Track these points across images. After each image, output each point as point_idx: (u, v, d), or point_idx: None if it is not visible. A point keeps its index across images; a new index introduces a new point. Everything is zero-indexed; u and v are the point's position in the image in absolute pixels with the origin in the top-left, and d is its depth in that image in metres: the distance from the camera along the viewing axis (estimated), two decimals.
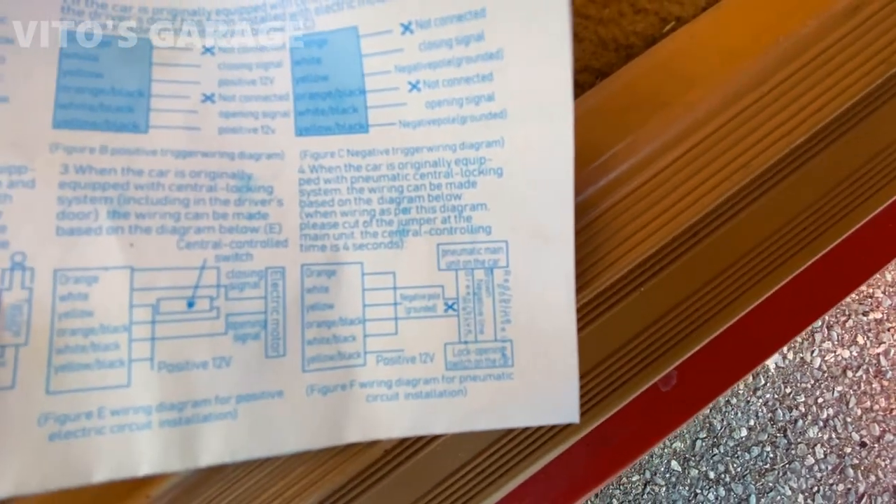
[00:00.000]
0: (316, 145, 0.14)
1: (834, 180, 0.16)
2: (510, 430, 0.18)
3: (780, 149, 0.16)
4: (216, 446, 0.12)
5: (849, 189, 0.16)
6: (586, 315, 0.16)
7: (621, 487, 0.76)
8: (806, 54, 0.16)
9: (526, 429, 0.18)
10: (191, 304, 0.13)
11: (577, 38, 0.18)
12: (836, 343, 0.79)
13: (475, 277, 0.14)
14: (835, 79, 0.16)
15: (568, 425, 0.18)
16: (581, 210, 0.15)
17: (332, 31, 0.14)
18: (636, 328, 0.17)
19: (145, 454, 0.12)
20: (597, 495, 0.75)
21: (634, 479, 0.75)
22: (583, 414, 0.16)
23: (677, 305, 0.16)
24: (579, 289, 0.15)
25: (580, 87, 0.18)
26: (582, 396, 0.16)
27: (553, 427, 0.17)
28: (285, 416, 0.13)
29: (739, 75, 0.16)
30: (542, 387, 0.14)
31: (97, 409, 0.12)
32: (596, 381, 0.16)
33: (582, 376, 0.16)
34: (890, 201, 0.17)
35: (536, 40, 0.12)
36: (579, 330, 0.16)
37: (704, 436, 0.77)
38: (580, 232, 0.15)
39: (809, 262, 0.17)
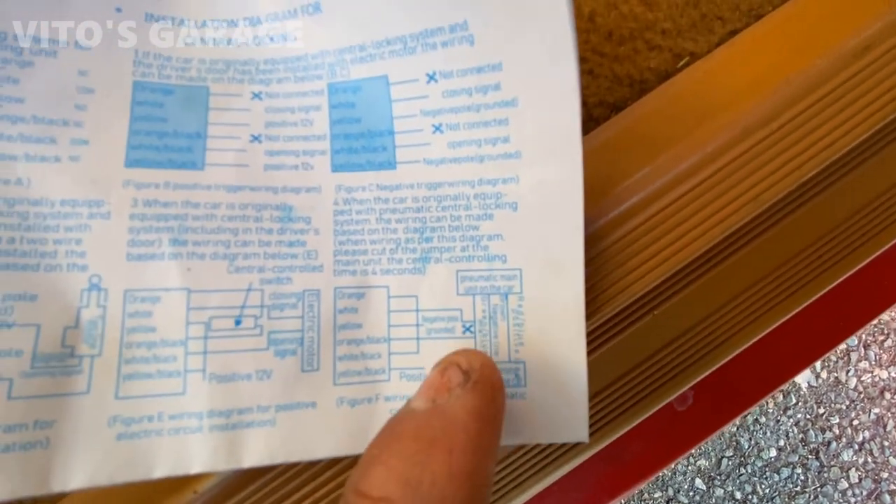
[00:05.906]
0: (349, 180, 0.16)
1: (842, 215, 0.17)
2: (522, 445, 0.19)
3: (789, 183, 0.17)
4: (258, 450, 0.14)
5: (857, 224, 0.17)
6: (598, 338, 0.17)
7: None
8: (816, 92, 0.17)
9: (537, 444, 0.19)
10: (238, 322, 0.14)
11: (593, 75, 0.19)
12: (873, 363, 0.76)
13: (491, 302, 0.15)
14: (845, 116, 0.16)
15: (578, 443, 0.19)
16: (594, 240, 0.16)
17: (365, 78, 0.15)
18: (646, 352, 0.17)
19: (197, 455, 0.14)
20: None
21: (657, 495, 0.74)
22: (592, 433, 0.17)
23: (685, 332, 0.17)
24: (590, 314, 0.16)
25: (595, 121, 0.19)
26: (592, 416, 0.17)
27: (563, 444, 0.17)
28: (318, 425, 0.14)
29: (750, 112, 0.17)
30: (553, 406, 0.15)
31: (157, 414, 0.14)
32: (606, 401, 0.17)
33: (592, 397, 0.17)
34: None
35: (548, 90, 0.14)
36: (591, 352, 0.17)
37: (731, 454, 0.75)
38: (592, 260, 0.16)
39: (819, 294, 0.17)
